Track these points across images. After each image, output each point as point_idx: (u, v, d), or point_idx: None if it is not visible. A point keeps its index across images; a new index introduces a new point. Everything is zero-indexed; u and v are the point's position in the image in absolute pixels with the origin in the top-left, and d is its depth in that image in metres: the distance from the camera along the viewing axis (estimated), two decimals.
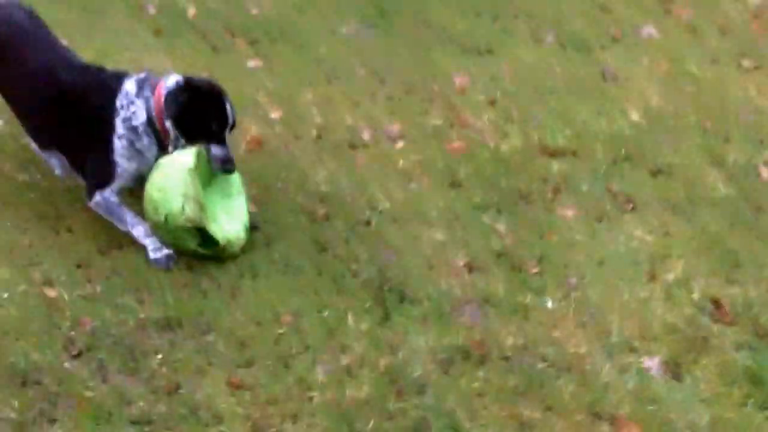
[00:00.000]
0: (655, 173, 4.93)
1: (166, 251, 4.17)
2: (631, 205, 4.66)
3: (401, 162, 5.10)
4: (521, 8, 6.82)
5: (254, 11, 6.85)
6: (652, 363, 3.63)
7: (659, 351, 3.66)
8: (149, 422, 3.47)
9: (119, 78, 4.24)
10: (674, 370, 3.61)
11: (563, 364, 3.62)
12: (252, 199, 4.71)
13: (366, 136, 5.32)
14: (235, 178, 4.35)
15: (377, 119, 5.49)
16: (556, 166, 5.03)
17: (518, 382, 3.54)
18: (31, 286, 4.17)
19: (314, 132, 5.35)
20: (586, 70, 6.06)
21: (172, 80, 4.20)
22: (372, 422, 3.37)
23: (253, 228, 4.36)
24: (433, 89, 5.81)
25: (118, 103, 4.15)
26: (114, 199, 4.22)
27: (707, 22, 6.63)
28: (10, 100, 4.52)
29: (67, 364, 3.77)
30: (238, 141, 5.21)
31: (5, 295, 4.10)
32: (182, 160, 4.07)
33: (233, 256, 4.21)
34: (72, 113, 4.26)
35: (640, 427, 3.32)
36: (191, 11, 6.83)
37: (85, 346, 3.86)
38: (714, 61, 6.14)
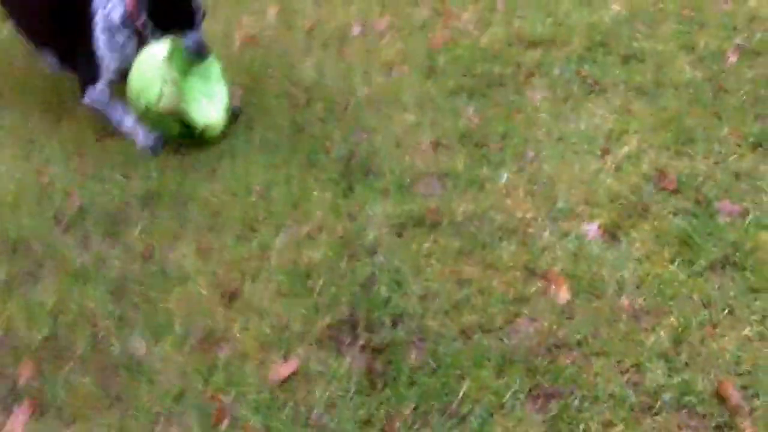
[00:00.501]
0: (627, 58, 5.10)
1: (153, 136, 4.45)
2: (597, 87, 4.82)
3: (384, 52, 5.31)
4: None
5: None
6: (591, 227, 3.84)
7: (600, 216, 3.87)
8: (124, 280, 3.76)
9: None
10: (612, 233, 3.81)
11: (508, 229, 3.85)
12: (240, 87, 4.97)
13: (356, 30, 5.55)
14: (215, 65, 4.61)
15: (368, 15, 5.70)
16: (531, 53, 5.22)
17: (463, 244, 3.78)
18: (30, 164, 4.47)
19: (306, 26, 5.56)
20: None
21: None
22: (323, 279, 3.62)
23: (234, 115, 4.62)
24: None
25: (97, 1, 4.41)
26: (104, 95, 4.51)
27: None
28: (7, 5, 4.81)
29: (55, 233, 4.07)
30: (233, 36, 5.47)
31: (3, 169, 4.40)
32: (157, 50, 4.34)
33: (214, 139, 4.48)
34: (59, 12, 4.54)
35: (570, 282, 3.52)
36: None
37: (73, 218, 4.15)
38: None
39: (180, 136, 4.41)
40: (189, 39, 4.38)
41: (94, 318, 3.58)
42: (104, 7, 4.39)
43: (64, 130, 4.76)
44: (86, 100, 4.46)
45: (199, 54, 4.42)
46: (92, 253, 3.92)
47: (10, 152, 4.58)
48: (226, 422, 3.14)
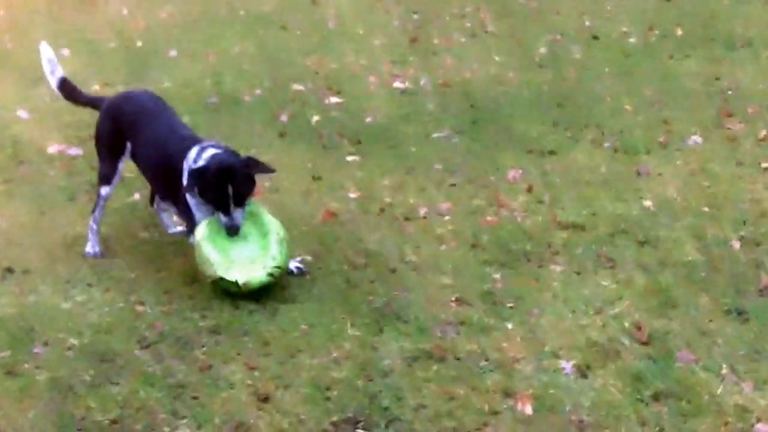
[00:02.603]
0: (642, 243, 6.02)
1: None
2: (609, 264, 5.76)
3: (439, 230, 6.37)
4: (593, 120, 8.09)
5: (368, 119, 8.35)
6: (567, 365, 4.73)
7: (576, 357, 4.75)
8: (178, 384, 4.80)
9: (189, 145, 5.70)
10: (583, 370, 4.68)
11: (499, 364, 4.76)
12: (311, 253, 6.07)
13: (421, 212, 6.63)
14: (269, 223, 5.72)
15: (434, 200, 6.80)
16: (561, 234, 6.19)
17: (459, 374, 4.69)
18: (127, 303, 5.63)
19: (380, 208, 6.69)
20: (625, 169, 7.22)
21: (198, 159, 5.57)
22: (339, 392, 4.60)
23: (300, 272, 5.70)
24: (489, 179, 7.08)
25: (184, 165, 5.64)
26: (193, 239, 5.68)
27: (750, 133, 7.68)
28: (140, 166, 6.10)
29: (136, 352, 5.17)
30: (316, 213, 6.63)
31: (106, 309, 5.56)
32: (199, 232, 5.55)
33: (254, 292, 5.54)
34: (169, 173, 5.79)
35: (535, 401, 4.42)
36: (315, 118, 8.40)
37: (153, 341, 5.25)
38: (739, 163, 7.20)
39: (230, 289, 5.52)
40: (221, 219, 5.52)
41: (154, 411, 4.57)
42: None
43: (160, 278, 5.90)
44: (190, 241, 5.61)
45: (229, 233, 5.54)
46: (162, 365, 4.94)
47: (113, 294, 5.71)
48: None
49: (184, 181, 5.53)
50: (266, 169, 5.56)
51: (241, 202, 5.49)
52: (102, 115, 6.05)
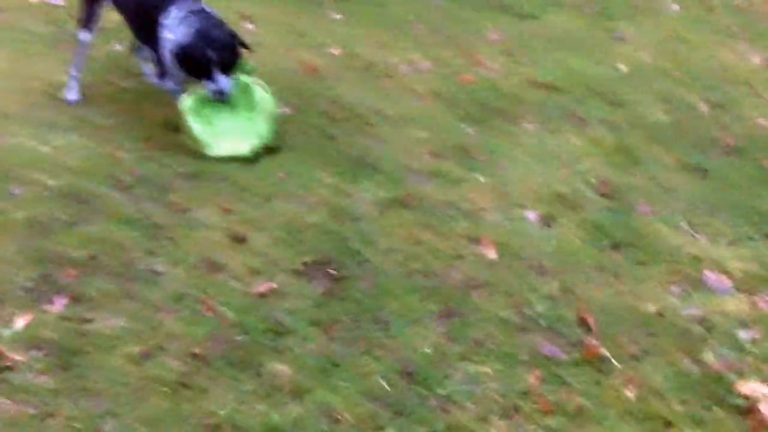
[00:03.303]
0: (613, 104, 6.16)
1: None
2: (580, 123, 5.90)
3: (418, 86, 6.49)
4: None
5: None
6: (531, 214, 4.90)
7: (541, 208, 4.92)
8: (154, 225, 4.95)
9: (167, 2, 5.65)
10: (547, 220, 4.85)
11: (466, 212, 4.92)
12: (292, 106, 6.18)
13: (402, 70, 6.73)
14: (260, 100, 5.80)
15: (415, 59, 6.90)
16: (537, 94, 6.32)
17: (428, 220, 4.85)
18: (105, 149, 5.74)
19: (361, 65, 6.78)
20: (602, 33, 7.31)
21: (179, 26, 5.55)
22: (313, 234, 4.76)
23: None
24: (469, 40, 7.17)
25: (162, 20, 5.66)
26: (172, 86, 5.77)
27: (727, 3, 7.76)
28: (120, 10, 6.14)
29: (113, 194, 5.30)
30: (297, 67, 6.72)
31: (85, 153, 5.66)
32: (185, 103, 5.58)
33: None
34: (147, 20, 5.84)
35: (499, 247, 4.60)
36: None
37: (130, 184, 5.38)
38: (714, 31, 7.31)
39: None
40: (209, 86, 5.53)
41: (129, 249, 4.72)
42: (167, 32, 5.63)
43: (139, 125, 6.02)
44: (164, 84, 5.71)
45: (218, 99, 5.56)
46: (137, 207, 5.08)
47: (95, 139, 5.81)
48: (209, 313, 4.24)
49: (161, 35, 5.56)
50: (243, 44, 5.63)
51: (227, 70, 5.52)
52: None
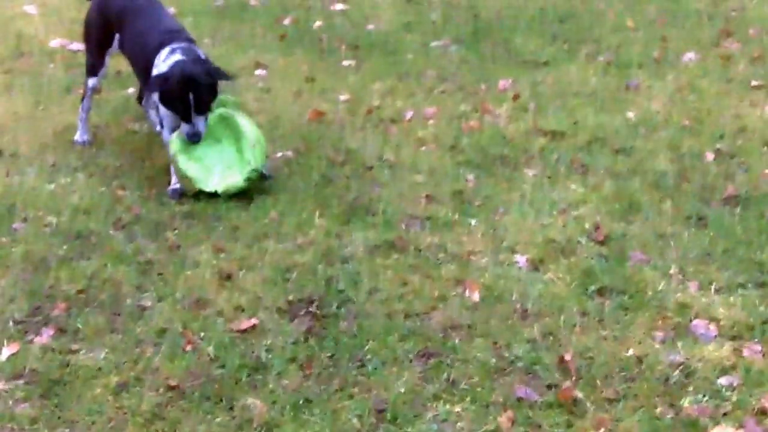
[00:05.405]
0: (617, 152, 6.13)
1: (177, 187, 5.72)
2: (582, 170, 5.87)
3: (421, 132, 6.50)
4: (592, 36, 8.20)
5: (370, 27, 8.47)
6: (521, 258, 4.87)
7: (532, 252, 4.90)
8: (147, 262, 4.99)
9: (164, 42, 5.75)
10: (536, 264, 4.82)
11: (456, 256, 4.91)
12: (293, 150, 6.22)
13: (407, 115, 6.76)
14: (242, 126, 5.83)
15: (422, 105, 6.92)
16: (541, 141, 6.31)
17: (416, 263, 4.83)
18: (108, 188, 5.80)
19: (367, 111, 6.81)
20: (615, 82, 7.30)
21: (163, 67, 5.63)
22: (299, 274, 4.77)
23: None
24: (479, 88, 7.19)
25: (156, 62, 5.75)
26: (167, 135, 5.81)
27: (746, 53, 7.73)
28: (127, 58, 6.21)
29: (111, 231, 5.35)
30: (304, 113, 6.78)
31: (88, 192, 5.73)
32: (173, 146, 5.69)
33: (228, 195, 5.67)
34: (147, 66, 5.91)
35: (484, 290, 4.57)
36: (317, 23, 8.53)
37: (129, 222, 5.43)
38: (729, 81, 7.26)
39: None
40: (183, 128, 5.63)
41: (119, 284, 4.76)
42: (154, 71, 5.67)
43: (144, 167, 6.07)
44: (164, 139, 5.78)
45: (190, 140, 5.62)
46: (133, 244, 5.12)
47: (99, 178, 5.88)
48: (189, 347, 4.25)
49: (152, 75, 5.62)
50: (226, 76, 5.67)
51: (202, 110, 5.58)
52: (92, 6, 6.17)
